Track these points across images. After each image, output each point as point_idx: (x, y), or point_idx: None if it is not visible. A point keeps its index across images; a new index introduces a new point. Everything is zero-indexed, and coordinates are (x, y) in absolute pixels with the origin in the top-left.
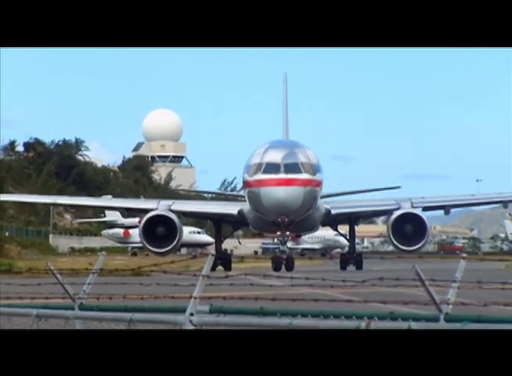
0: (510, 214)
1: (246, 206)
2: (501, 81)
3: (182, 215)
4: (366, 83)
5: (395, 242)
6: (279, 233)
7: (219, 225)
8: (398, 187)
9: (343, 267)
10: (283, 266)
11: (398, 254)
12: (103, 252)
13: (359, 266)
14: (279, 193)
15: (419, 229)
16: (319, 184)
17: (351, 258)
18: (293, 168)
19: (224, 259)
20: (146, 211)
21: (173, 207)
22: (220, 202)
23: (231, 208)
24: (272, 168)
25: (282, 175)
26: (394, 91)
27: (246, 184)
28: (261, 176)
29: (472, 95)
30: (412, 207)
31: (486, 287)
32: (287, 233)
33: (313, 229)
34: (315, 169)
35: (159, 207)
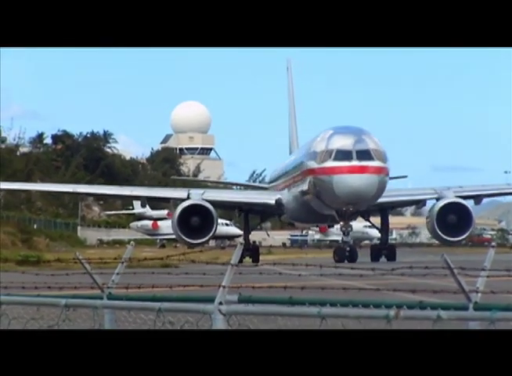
0: None
1: (284, 195)
2: None
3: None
4: (392, 75)
5: (439, 232)
6: (341, 223)
7: (248, 216)
8: (404, 176)
9: (374, 258)
10: (346, 258)
11: (436, 245)
12: (132, 242)
13: (392, 258)
14: (354, 180)
15: (464, 219)
16: (388, 173)
17: (384, 249)
18: (365, 154)
19: (252, 251)
20: (176, 200)
21: (204, 197)
22: (253, 191)
23: (267, 197)
24: (343, 154)
25: (355, 162)
26: (419, 84)
27: (310, 172)
28: (331, 163)
29: (497, 88)
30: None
31: None
32: (350, 223)
33: (353, 219)
34: (384, 157)
35: (191, 196)
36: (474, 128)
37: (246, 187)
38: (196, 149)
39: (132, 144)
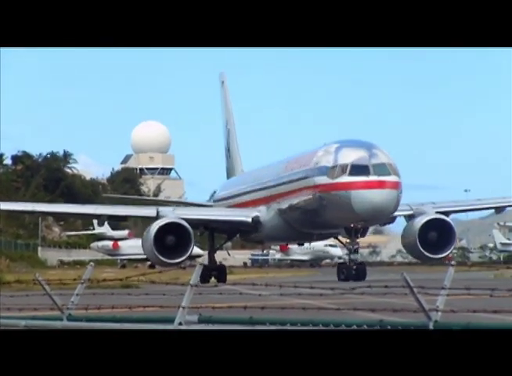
0: (498, 223)
1: (262, 213)
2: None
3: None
4: (349, 88)
5: (422, 250)
6: (348, 240)
7: (213, 234)
8: None
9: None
10: (349, 276)
11: (397, 264)
12: (91, 263)
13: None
14: (373, 196)
15: (446, 236)
16: (401, 188)
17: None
18: (382, 169)
19: (218, 270)
20: (143, 218)
21: (176, 214)
22: (225, 208)
23: (243, 215)
24: (359, 169)
25: (373, 177)
26: (376, 98)
27: (316, 187)
28: (347, 178)
29: (461, 101)
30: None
31: (474, 293)
32: (357, 240)
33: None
34: (398, 171)
35: (162, 214)
36: (435, 145)
37: (187, 205)
38: (157, 169)
39: (92, 164)
